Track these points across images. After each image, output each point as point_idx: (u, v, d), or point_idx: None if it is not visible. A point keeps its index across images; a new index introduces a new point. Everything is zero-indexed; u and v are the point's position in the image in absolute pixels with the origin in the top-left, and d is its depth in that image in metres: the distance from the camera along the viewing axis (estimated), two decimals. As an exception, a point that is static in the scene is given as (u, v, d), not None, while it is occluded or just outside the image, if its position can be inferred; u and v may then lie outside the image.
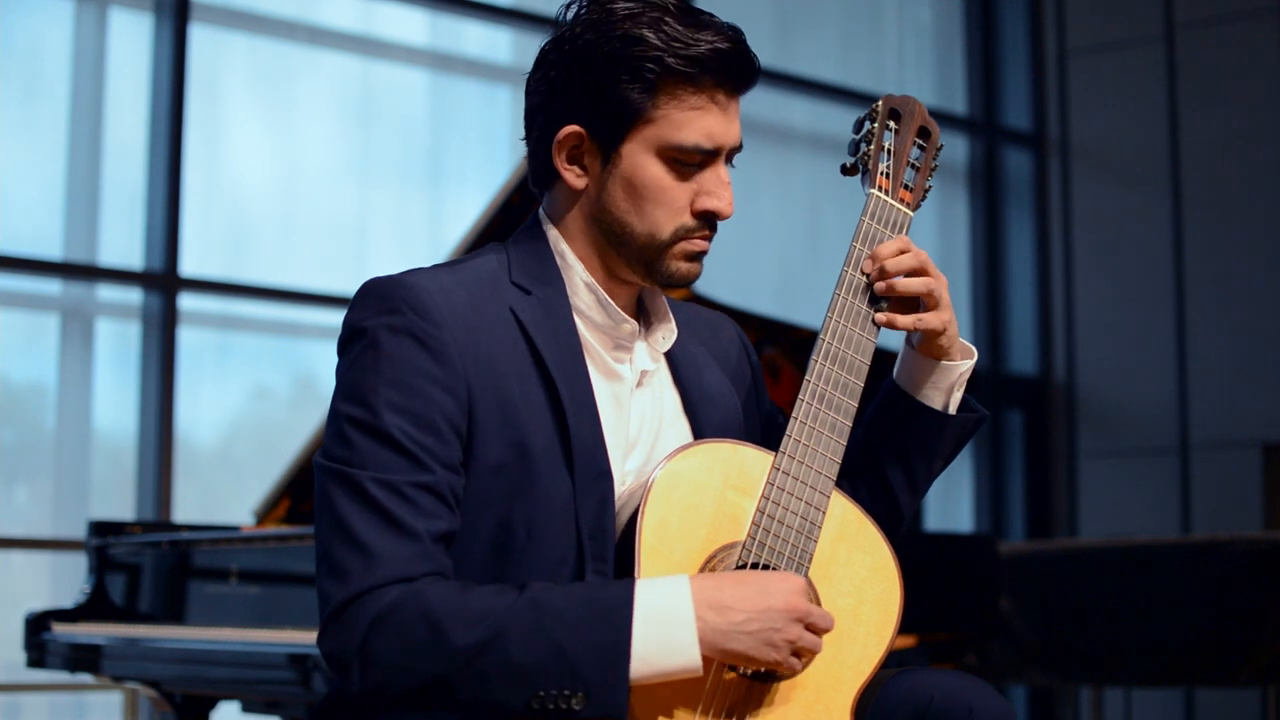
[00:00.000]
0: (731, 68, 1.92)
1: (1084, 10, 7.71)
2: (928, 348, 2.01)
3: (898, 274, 1.96)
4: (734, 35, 1.93)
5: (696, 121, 1.90)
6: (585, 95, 1.91)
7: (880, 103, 2.06)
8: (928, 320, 1.97)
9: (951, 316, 2.00)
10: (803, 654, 1.83)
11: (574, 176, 1.95)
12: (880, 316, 1.97)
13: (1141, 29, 7.48)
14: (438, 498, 1.81)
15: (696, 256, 1.95)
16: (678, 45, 1.88)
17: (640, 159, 1.91)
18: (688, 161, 1.92)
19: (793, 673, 1.85)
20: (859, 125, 2.06)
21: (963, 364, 2.03)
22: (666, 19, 1.90)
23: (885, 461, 2.05)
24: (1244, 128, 7.17)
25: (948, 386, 2.03)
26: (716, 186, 1.93)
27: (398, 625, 1.75)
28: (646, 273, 1.95)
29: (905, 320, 1.97)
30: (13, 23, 5.40)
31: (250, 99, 5.88)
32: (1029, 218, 7.81)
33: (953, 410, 2.04)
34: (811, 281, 7.07)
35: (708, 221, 1.94)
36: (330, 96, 6.03)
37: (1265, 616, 4.89)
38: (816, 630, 1.83)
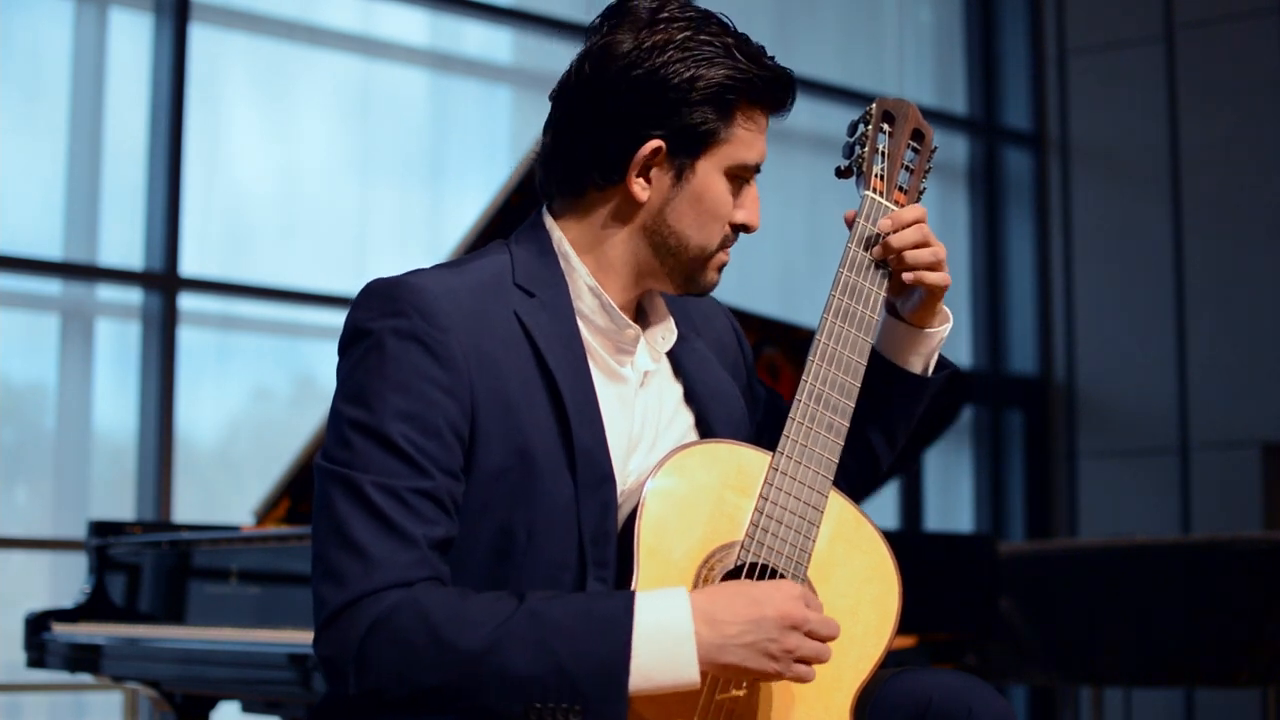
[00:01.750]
0: (786, 96, 2.01)
1: (1084, 10, 7.71)
2: (920, 314, 2.05)
3: (904, 248, 2.00)
4: (780, 64, 2.01)
5: (756, 142, 1.98)
6: (666, 115, 1.92)
7: (874, 105, 2.08)
8: (932, 278, 2.01)
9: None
10: (809, 662, 1.81)
11: (639, 189, 1.95)
12: (893, 260, 2.01)
13: (1141, 29, 7.48)
14: (437, 504, 1.81)
15: (723, 267, 2.02)
16: (752, 69, 1.95)
17: (713, 177, 1.96)
18: (744, 178, 1.99)
19: (800, 681, 1.83)
20: (853, 128, 2.08)
21: (943, 329, 2.08)
22: (733, 47, 1.95)
23: (867, 424, 2.09)
24: (1244, 128, 7.17)
25: (928, 352, 2.09)
26: (751, 202, 2.00)
27: (395, 631, 1.75)
28: (684, 282, 1.99)
29: (910, 275, 2.01)
30: (13, 23, 5.40)
31: (250, 99, 5.88)
32: (1029, 218, 7.81)
33: (930, 373, 2.10)
34: (811, 281, 7.07)
35: (738, 235, 2.00)
36: (330, 96, 6.03)
37: (1265, 616, 4.89)
38: (818, 637, 1.81)
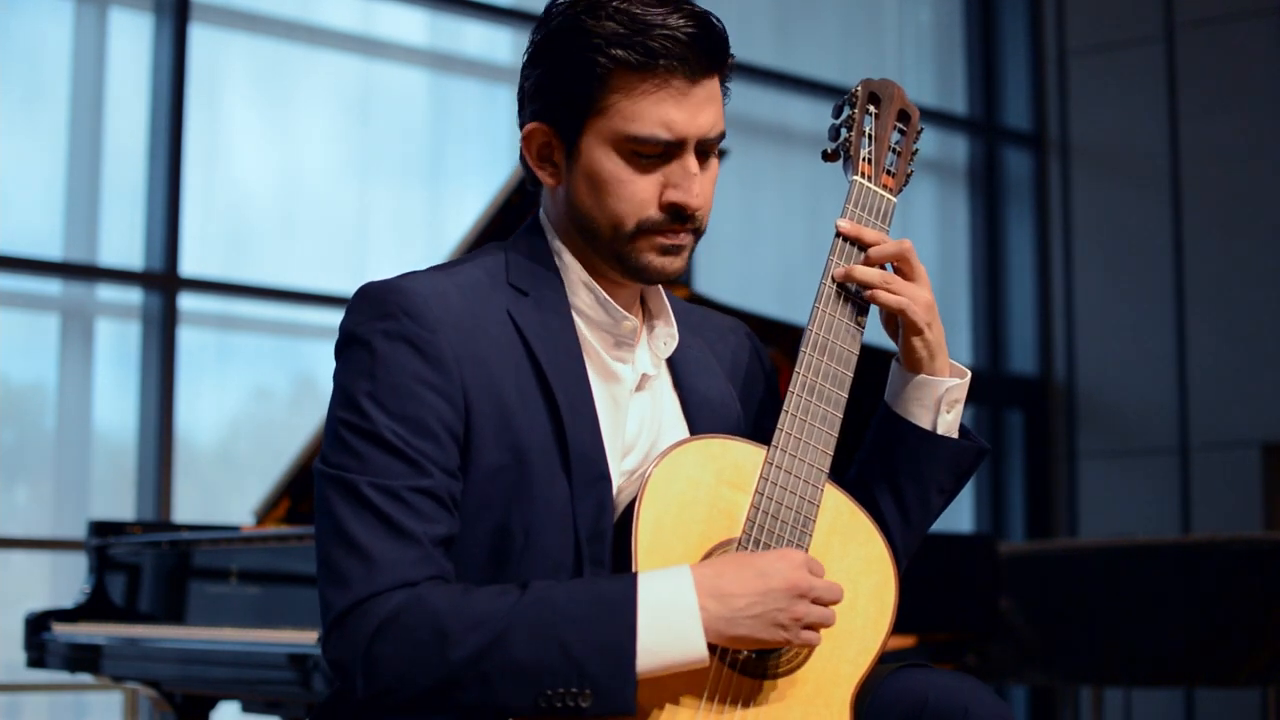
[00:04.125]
0: (689, 55, 1.85)
1: (1084, 10, 7.71)
2: (908, 353, 1.99)
3: (869, 281, 1.95)
4: (697, 19, 1.86)
5: (650, 111, 1.85)
6: (545, 90, 1.90)
7: (859, 87, 2.02)
8: (904, 304, 1.95)
9: (932, 323, 1.98)
10: (816, 628, 1.81)
11: (547, 176, 1.94)
12: (867, 293, 1.95)
13: (1141, 29, 7.48)
14: (436, 502, 1.81)
15: (670, 250, 1.91)
16: (624, 34, 1.84)
17: (597, 152, 1.88)
18: (647, 153, 1.87)
19: (810, 647, 1.83)
20: (838, 110, 2.03)
21: (948, 380, 2.00)
22: (622, 3, 1.85)
23: (875, 484, 2.02)
24: (1244, 128, 7.17)
25: (933, 403, 2.00)
26: (682, 179, 1.88)
27: (402, 631, 1.75)
28: (622, 268, 1.92)
29: (887, 298, 1.95)
30: (13, 23, 5.41)
31: (250, 99, 5.88)
32: (1029, 218, 7.81)
33: (942, 431, 2.01)
34: (811, 281, 7.01)
35: (676, 215, 1.90)
36: (330, 96, 6.03)
37: (1265, 616, 4.90)
38: (824, 602, 1.81)
